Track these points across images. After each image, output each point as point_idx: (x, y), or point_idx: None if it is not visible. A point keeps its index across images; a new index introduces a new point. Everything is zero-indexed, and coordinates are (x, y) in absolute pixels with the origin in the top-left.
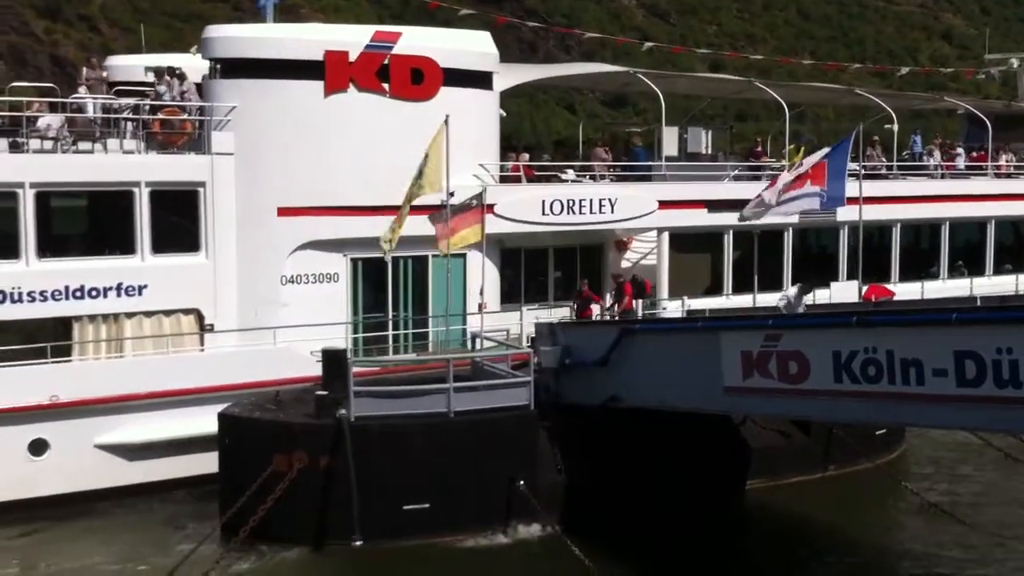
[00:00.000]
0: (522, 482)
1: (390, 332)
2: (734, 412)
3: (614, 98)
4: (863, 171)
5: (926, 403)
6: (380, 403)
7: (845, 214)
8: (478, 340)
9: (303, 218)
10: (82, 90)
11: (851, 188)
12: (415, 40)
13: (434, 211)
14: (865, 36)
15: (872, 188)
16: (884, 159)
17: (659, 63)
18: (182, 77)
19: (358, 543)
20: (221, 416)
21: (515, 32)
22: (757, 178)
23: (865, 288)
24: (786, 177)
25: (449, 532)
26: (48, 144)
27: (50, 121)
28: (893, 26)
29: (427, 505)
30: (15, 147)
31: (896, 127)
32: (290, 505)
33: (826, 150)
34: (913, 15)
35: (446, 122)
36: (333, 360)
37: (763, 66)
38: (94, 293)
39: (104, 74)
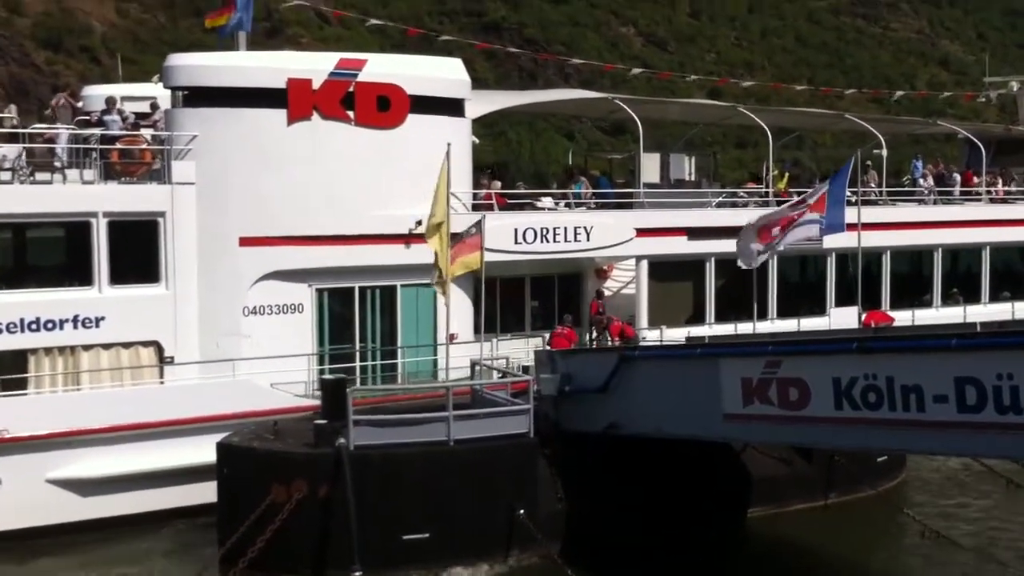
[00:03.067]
0: (522, 511)
1: (357, 364)
2: (734, 440)
3: (612, 126)
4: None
5: (927, 429)
6: (379, 432)
7: (832, 241)
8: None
9: (266, 248)
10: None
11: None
12: (381, 67)
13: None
14: (862, 63)
15: (864, 214)
16: (877, 184)
17: (657, 91)
18: (155, 107)
19: (358, 574)
20: (219, 446)
21: (515, 60)
22: (745, 205)
23: (864, 314)
24: (785, 212)
25: (449, 562)
26: (5, 175)
27: (6, 152)
28: (890, 52)
29: (427, 535)
30: None
31: (885, 152)
32: (289, 536)
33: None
34: (910, 41)
35: (448, 154)
36: (332, 389)
37: (761, 93)
38: (50, 325)
39: (79, 104)
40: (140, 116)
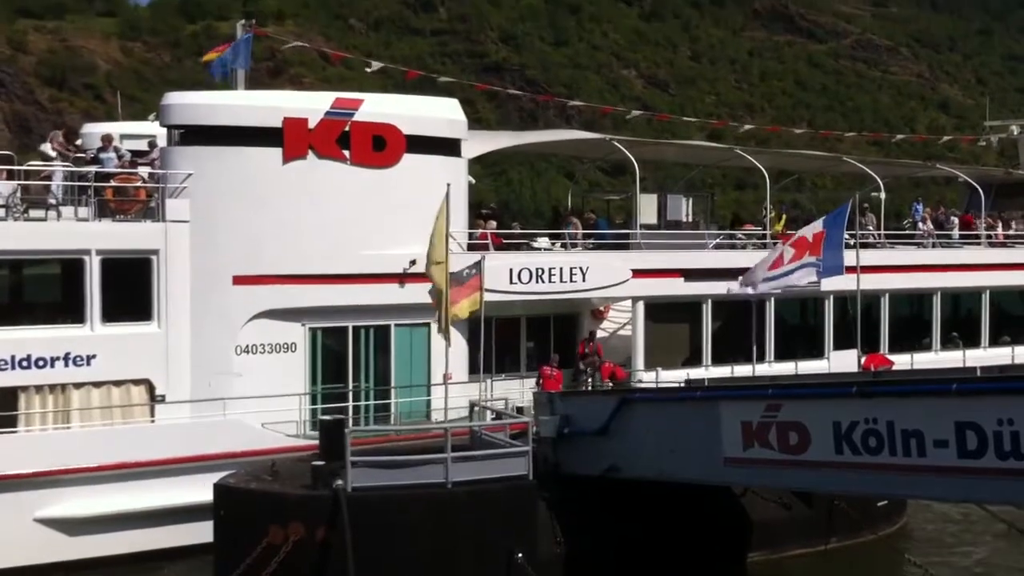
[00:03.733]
0: (520, 554)
1: (350, 403)
2: (734, 483)
3: (613, 166)
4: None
5: (928, 475)
6: (377, 473)
7: (830, 284)
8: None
9: (259, 287)
10: (49, 151)
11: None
12: (377, 107)
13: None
14: (862, 106)
15: (862, 257)
16: (875, 227)
17: (658, 133)
18: (153, 145)
19: None
20: (216, 486)
21: (516, 101)
22: (744, 247)
23: (864, 357)
24: (784, 252)
25: None
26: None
27: (0, 189)
28: (890, 96)
29: None
30: None
31: (884, 195)
32: None
33: (820, 221)
34: (910, 85)
35: (447, 195)
36: (331, 430)
37: (761, 135)
38: (41, 363)
39: (79, 142)
40: (138, 154)
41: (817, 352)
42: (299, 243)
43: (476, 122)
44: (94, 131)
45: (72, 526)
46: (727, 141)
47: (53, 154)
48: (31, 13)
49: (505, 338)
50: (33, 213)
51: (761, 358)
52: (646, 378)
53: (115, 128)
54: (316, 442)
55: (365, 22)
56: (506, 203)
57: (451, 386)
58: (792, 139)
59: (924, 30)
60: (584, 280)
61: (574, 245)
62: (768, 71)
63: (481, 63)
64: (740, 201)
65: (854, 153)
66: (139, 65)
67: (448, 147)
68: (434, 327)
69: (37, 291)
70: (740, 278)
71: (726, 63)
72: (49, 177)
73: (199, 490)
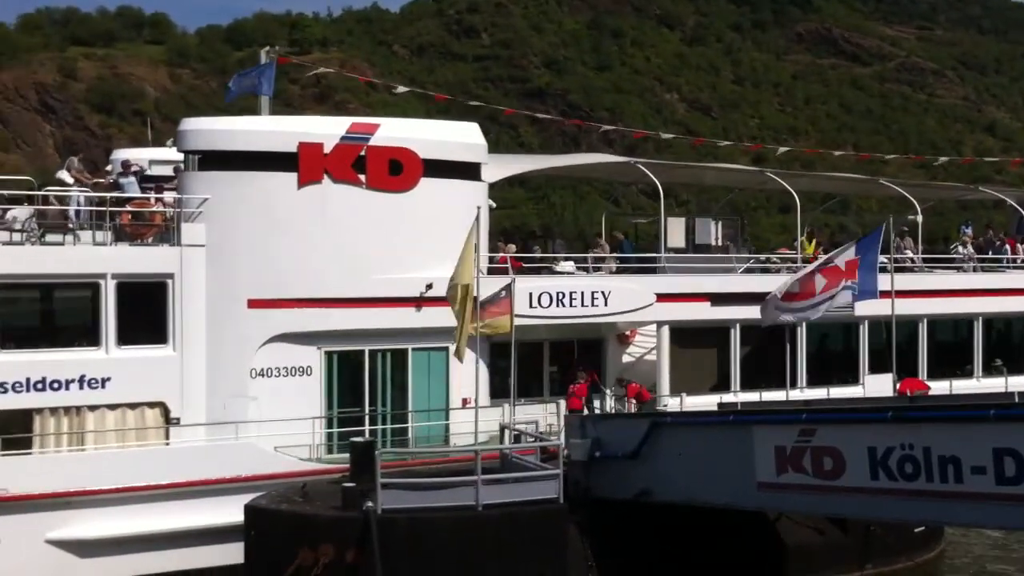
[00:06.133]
0: None
1: (366, 427)
2: (768, 509)
3: (655, 190)
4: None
5: (965, 501)
6: (407, 495)
7: (865, 308)
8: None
9: (274, 310)
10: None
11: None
12: (394, 131)
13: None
14: (908, 129)
15: (899, 281)
16: (914, 251)
17: (701, 156)
18: (178, 171)
19: None
20: (247, 508)
21: (558, 126)
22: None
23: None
24: (816, 282)
25: None
26: (16, 236)
27: (16, 213)
28: (936, 119)
29: None
30: None
31: (920, 218)
32: None
33: (852, 248)
34: (956, 108)
35: (477, 217)
36: (361, 452)
37: (805, 158)
38: (56, 385)
39: (108, 167)
40: (164, 180)
41: (852, 378)
42: (314, 267)
43: (519, 146)
44: (119, 157)
45: (84, 548)
46: (770, 164)
47: (71, 180)
48: (81, 41)
49: (528, 362)
50: (50, 238)
51: (793, 384)
52: (671, 403)
53: (145, 154)
54: (330, 466)
55: (409, 48)
56: (548, 226)
57: (470, 410)
58: (836, 162)
59: (970, 53)
60: (607, 304)
61: (597, 269)
62: (812, 94)
63: (523, 88)
64: (784, 224)
65: (899, 176)
66: (186, 91)
67: (467, 171)
68: (453, 350)
69: (48, 315)
70: (760, 307)
71: (769, 87)
72: (65, 202)
73: (211, 513)
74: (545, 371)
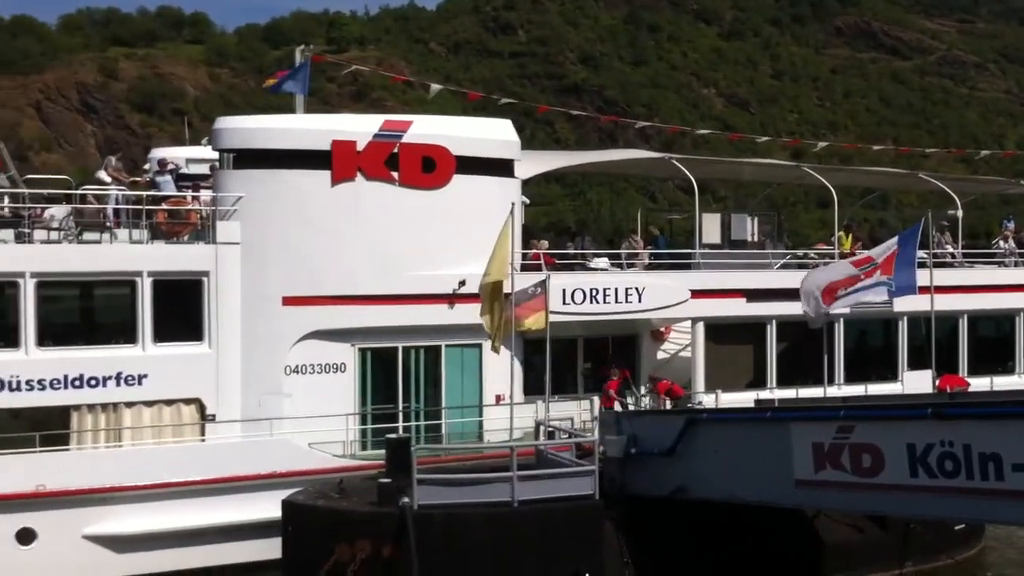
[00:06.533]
0: (587, 574)
1: (400, 424)
2: (806, 506)
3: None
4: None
5: (1006, 499)
6: (443, 491)
7: (904, 304)
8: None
9: (309, 307)
10: (104, 177)
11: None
12: (427, 128)
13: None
14: (949, 123)
15: (939, 276)
16: (954, 246)
17: (739, 151)
18: (215, 169)
19: None
20: (284, 504)
21: (595, 122)
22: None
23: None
24: (849, 270)
25: None
26: (54, 234)
27: (54, 212)
28: (977, 112)
29: None
30: (20, 238)
31: (961, 213)
32: None
33: (894, 240)
34: (998, 101)
35: (511, 213)
36: (397, 448)
37: (844, 153)
38: (93, 382)
39: (146, 166)
40: (200, 178)
41: (891, 375)
42: (348, 264)
43: (555, 143)
44: (156, 155)
45: (120, 543)
46: (808, 159)
47: (108, 180)
48: (122, 41)
49: (561, 359)
50: (88, 236)
51: (830, 380)
52: (706, 400)
53: (182, 153)
54: (363, 462)
55: (445, 45)
56: (584, 222)
57: (506, 407)
58: (875, 156)
59: (1012, 45)
60: (640, 301)
61: (631, 265)
62: (852, 89)
63: (560, 84)
64: (823, 219)
65: (940, 170)
66: (226, 91)
67: (500, 167)
68: (486, 347)
69: (86, 312)
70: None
71: (808, 81)
72: (103, 201)
73: (245, 509)
74: (579, 367)
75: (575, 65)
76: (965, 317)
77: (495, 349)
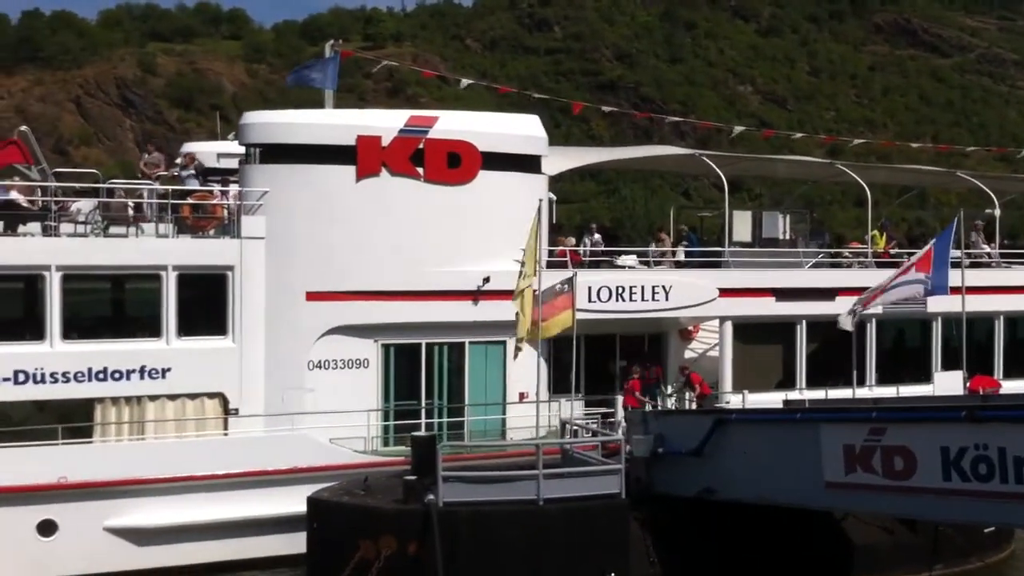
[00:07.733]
0: (613, 573)
1: (423, 420)
2: (836, 509)
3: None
4: (966, 259)
5: None
6: (469, 489)
7: (938, 305)
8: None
9: (332, 303)
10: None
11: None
12: (453, 124)
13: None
14: (988, 121)
15: (972, 277)
16: (987, 246)
17: (776, 149)
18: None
19: None
20: (310, 500)
21: (630, 119)
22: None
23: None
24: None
25: None
26: (80, 228)
27: (81, 206)
28: (1017, 111)
29: None
30: (46, 231)
31: (998, 212)
32: None
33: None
34: None
35: (539, 208)
36: (423, 445)
37: (882, 151)
38: (117, 375)
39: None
40: (230, 172)
41: (924, 376)
42: (372, 260)
43: (590, 139)
44: (185, 150)
45: (142, 536)
46: (845, 157)
47: (138, 175)
48: (160, 37)
49: (590, 356)
50: (114, 230)
51: (862, 382)
52: (734, 400)
53: (213, 147)
54: (385, 458)
55: (481, 42)
56: (619, 220)
57: (529, 404)
58: (913, 154)
59: None
60: (667, 299)
61: (659, 263)
62: (890, 86)
63: (595, 81)
64: (859, 218)
65: (979, 169)
66: (263, 86)
67: (527, 163)
68: (510, 344)
69: (111, 305)
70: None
71: (846, 78)
72: (129, 195)
73: (267, 503)
74: (612, 365)
75: (611, 62)
76: (1001, 318)
77: (517, 350)
